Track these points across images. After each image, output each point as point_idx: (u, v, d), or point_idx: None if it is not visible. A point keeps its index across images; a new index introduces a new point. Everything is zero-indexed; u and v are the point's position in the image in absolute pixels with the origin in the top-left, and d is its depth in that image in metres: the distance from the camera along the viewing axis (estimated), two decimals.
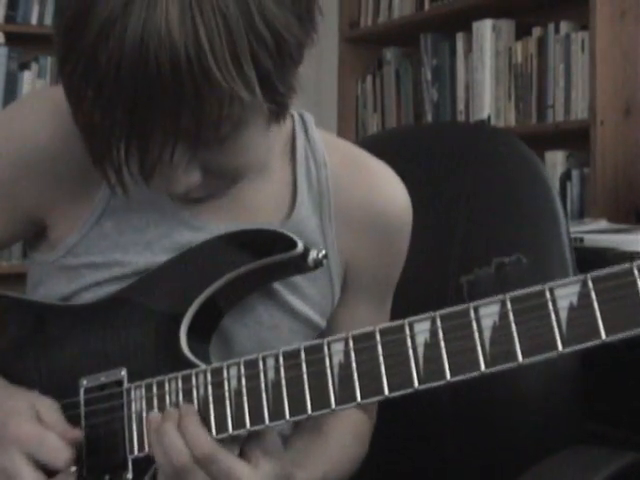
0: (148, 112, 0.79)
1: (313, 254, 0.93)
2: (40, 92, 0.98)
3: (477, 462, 1.26)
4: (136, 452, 0.91)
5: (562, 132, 2.65)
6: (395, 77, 3.28)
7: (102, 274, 0.99)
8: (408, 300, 1.13)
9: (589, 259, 1.76)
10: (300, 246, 0.93)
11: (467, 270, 1.26)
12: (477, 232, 1.29)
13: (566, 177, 2.65)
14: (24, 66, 3.17)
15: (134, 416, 0.91)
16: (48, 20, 3.19)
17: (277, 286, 1.01)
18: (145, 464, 0.90)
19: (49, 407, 0.93)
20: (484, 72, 2.85)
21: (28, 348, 0.99)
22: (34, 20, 3.17)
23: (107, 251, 0.99)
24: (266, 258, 0.94)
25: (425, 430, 1.17)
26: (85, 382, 0.95)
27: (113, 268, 0.99)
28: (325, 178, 1.04)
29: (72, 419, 0.93)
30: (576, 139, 2.55)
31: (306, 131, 1.06)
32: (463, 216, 1.30)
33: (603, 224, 2.12)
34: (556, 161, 2.67)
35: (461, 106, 2.96)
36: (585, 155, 2.54)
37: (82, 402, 0.94)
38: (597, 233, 1.88)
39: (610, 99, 2.46)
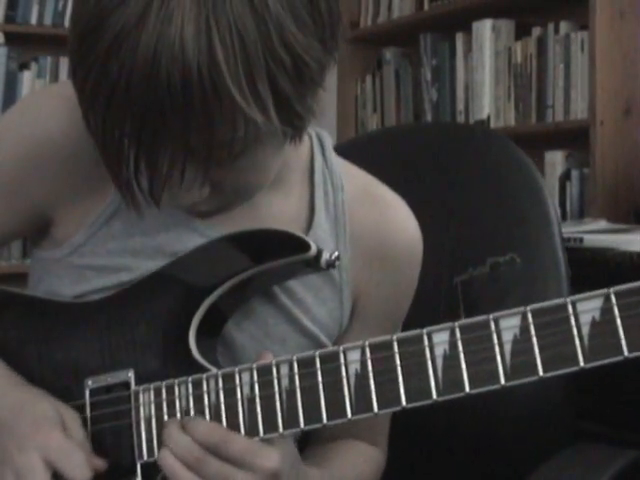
0: (157, 128, 0.77)
1: (326, 255, 0.92)
2: (52, 87, 0.97)
3: (472, 465, 1.27)
4: (145, 457, 0.89)
5: (562, 132, 2.65)
6: (395, 77, 3.28)
7: (109, 278, 0.97)
8: None
9: (589, 259, 1.76)
10: (314, 248, 0.92)
11: (461, 271, 1.26)
12: (470, 233, 1.30)
13: (566, 177, 2.65)
14: (24, 66, 3.17)
15: (143, 421, 0.90)
16: (48, 20, 3.19)
17: (287, 302, 1.00)
18: (154, 470, 0.88)
19: (74, 420, 0.91)
20: (484, 72, 2.85)
21: (31, 345, 0.97)
22: (34, 20, 3.17)
23: (114, 253, 0.98)
24: (280, 260, 0.92)
25: (419, 435, 1.17)
26: (90, 383, 0.93)
27: (120, 272, 0.97)
28: (341, 202, 1.03)
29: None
30: (576, 139, 2.55)
31: (324, 152, 1.05)
32: (456, 217, 1.30)
33: (603, 224, 2.12)
34: (556, 161, 2.67)
35: (461, 106, 2.96)
36: (585, 155, 2.54)
37: (88, 404, 0.92)
38: (597, 233, 1.88)
39: (610, 99, 2.46)
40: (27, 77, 3.17)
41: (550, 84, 2.66)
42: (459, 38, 2.96)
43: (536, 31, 2.72)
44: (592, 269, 1.70)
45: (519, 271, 1.24)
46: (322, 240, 1.01)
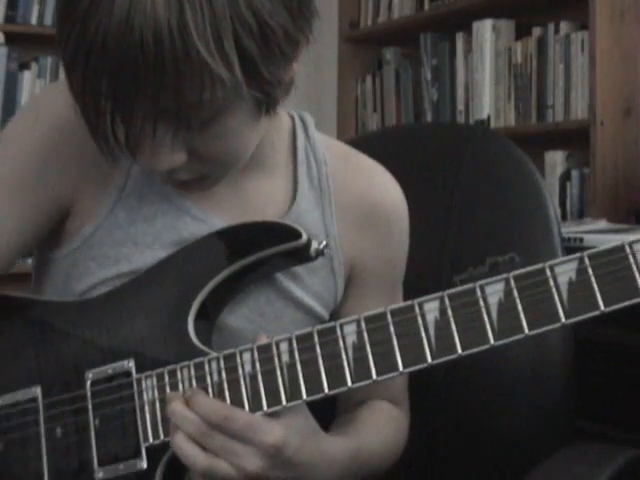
0: (131, 85, 0.82)
1: (315, 244, 0.98)
2: (58, 82, 1.00)
3: (470, 465, 1.27)
4: (151, 440, 0.91)
5: (562, 132, 2.65)
6: (395, 77, 3.28)
7: (109, 270, 1.00)
8: (403, 299, 1.14)
9: None
10: (304, 236, 0.97)
11: (460, 270, 1.28)
12: (470, 233, 1.31)
13: (566, 177, 2.65)
14: (24, 66, 3.17)
15: (146, 405, 0.92)
16: (48, 20, 3.19)
17: (279, 276, 1.03)
18: (159, 452, 0.91)
19: None
20: (484, 72, 2.85)
21: (28, 345, 0.99)
22: (34, 20, 3.17)
23: (118, 243, 1.00)
24: (272, 247, 0.97)
25: (418, 434, 1.18)
26: (91, 375, 0.95)
27: (120, 263, 1.00)
28: (325, 175, 1.08)
29: (79, 412, 0.94)
30: (576, 139, 2.55)
31: (306, 131, 1.09)
32: (456, 217, 1.32)
33: (603, 224, 2.12)
34: (556, 161, 2.67)
35: (461, 106, 2.96)
36: (585, 155, 2.54)
37: (89, 394, 0.94)
38: (597, 233, 1.88)
39: (610, 99, 2.46)
40: (27, 77, 3.17)
41: (550, 84, 2.66)
42: (459, 38, 2.96)
43: (536, 31, 2.72)
44: None
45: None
46: (306, 214, 1.05)
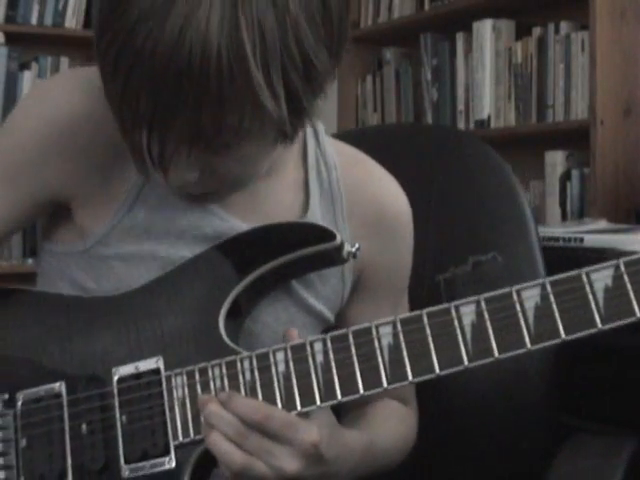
0: (172, 103, 0.81)
1: (347, 247, 0.98)
2: (71, 71, 1.00)
3: (458, 465, 1.29)
4: (180, 438, 0.91)
5: (562, 132, 2.66)
6: (395, 77, 3.28)
7: (136, 266, 0.99)
8: None
9: (589, 259, 1.76)
10: (339, 237, 0.97)
11: (442, 269, 1.30)
12: (452, 233, 1.34)
13: (566, 177, 2.65)
14: (24, 66, 3.17)
15: (176, 402, 0.91)
16: (48, 20, 3.19)
17: (294, 284, 1.03)
18: (186, 450, 0.91)
19: None
20: (484, 72, 2.85)
21: (52, 340, 0.98)
22: (34, 20, 3.17)
23: (139, 241, 1.00)
24: (307, 248, 0.97)
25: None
26: (118, 371, 0.94)
27: (146, 260, 0.99)
28: (336, 180, 1.08)
29: (106, 409, 0.93)
30: (576, 139, 2.55)
31: (316, 136, 1.09)
32: (437, 217, 1.34)
33: (603, 224, 2.12)
34: (556, 161, 2.67)
35: (461, 106, 2.96)
36: (585, 155, 2.54)
37: (115, 392, 0.93)
38: (597, 233, 1.88)
39: (610, 99, 2.47)
40: (27, 77, 3.17)
41: (550, 84, 2.66)
42: (459, 38, 2.96)
43: (536, 31, 2.72)
44: None
45: (501, 269, 1.28)
46: (318, 222, 1.04)
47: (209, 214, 1.01)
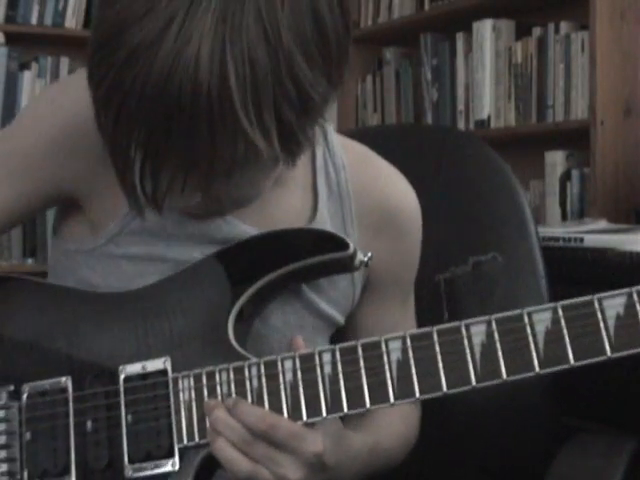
0: (163, 140, 0.80)
1: (360, 256, 0.98)
2: (76, 76, 1.00)
3: (458, 467, 1.30)
4: (185, 441, 0.91)
5: (562, 132, 2.66)
6: (395, 77, 3.28)
7: (145, 267, 1.00)
8: None
9: (589, 259, 1.76)
10: (352, 247, 0.97)
11: (442, 269, 1.31)
12: (452, 234, 1.34)
13: (566, 177, 2.65)
14: (24, 66, 3.17)
15: (182, 405, 0.91)
16: (48, 20, 3.19)
17: (305, 289, 1.03)
18: (192, 454, 0.91)
19: None
20: (484, 72, 2.85)
21: (60, 333, 0.98)
22: (34, 20, 3.17)
23: (149, 243, 1.00)
24: (319, 255, 0.97)
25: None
26: (125, 370, 0.94)
27: (155, 262, 1.00)
28: (345, 181, 1.07)
29: (111, 407, 0.93)
30: (576, 139, 2.55)
31: (325, 136, 1.08)
32: (437, 218, 1.33)
33: (603, 224, 2.12)
34: (556, 161, 2.67)
35: (461, 106, 2.96)
36: (585, 155, 2.54)
37: (122, 390, 0.93)
38: (597, 233, 1.87)
39: (610, 99, 2.46)
40: (27, 77, 3.17)
41: (550, 84, 2.66)
42: (459, 38, 2.96)
43: (536, 31, 2.72)
44: (592, 269, 1.70)
45: (500, 269, 1.29)
46: (327, 223, 1.04)
47: (218, 219, 1.00)
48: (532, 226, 1.30)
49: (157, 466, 0.91)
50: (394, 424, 1.09)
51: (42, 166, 1.00)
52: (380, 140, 1.40)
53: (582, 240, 1.79)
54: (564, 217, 2.63)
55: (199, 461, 0.91)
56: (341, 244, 0.97)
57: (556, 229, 1.90)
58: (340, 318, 1.08)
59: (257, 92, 0.79)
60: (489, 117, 2.85)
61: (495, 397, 1.25)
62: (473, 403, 1.27)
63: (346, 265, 0.98)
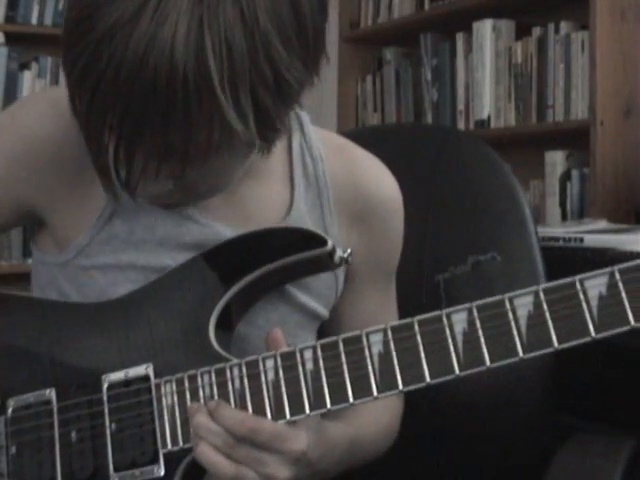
0: (138, 121, 0.80)
1: (339, 252, 0.97)
2: (41, 92, 1.00)
3: (456, 467, 1.29)
4: (169, 446, 0.90)
5: (562, 132, 2.65)
6: (395, 77, 3.28)
7: (116, 276, 0.99)
8: None
9: (589, 259, 1.76)
10: (330, 243, 0.96)
11: (441, 269, 1.30)
12: (451, 233, 1.34)
13: (566, 177, 2.65)
14: (24, 66, 3.17)
15: (165, 410, 0.91)
16: (48, 20, 3.19)
17: (285, 285, 1.03)
18: (175, 458, 0.90)
19: None
20: (484, 72, 2.85)
21: (43, 346, 0.98)
22: (34, 20, 3.17)
23: (118, 250, 0.99)
24: (298, 254, 0.96)
25: (403, 439, 1.19)
26: (108, 379, 0.94)
27: (126, 271, 0.99)
28: (322, 172, 1.07)
29: (95, 416, 0.93)
30: (576, 139, 2.55)
31: (302, 128, 1.08)
32: (436, 218, 1.34)
33: (603, 224, 2.12)
34: (556, 161, 2.67)
35: (461, 106, 2.96)
36: (585, 155, 2.54)
37: (105, 399, 0.93)
38: (597, 233, 1.87)
39: (610, 99, 2.46)
40: (27, 77, 3.17)
41: (550, 84, 2.66)
42: (459, 38, 2.96)
43: (536, 31, 2.72)
44: (592, 269, 1.70)
45: (500, 269, 1.29)
46: (304, 216, 1.04)
47: (188, 221, 1.00)
48: (531, 226, 1.30)
49: (142, 473, 0.90)
50: (377, 413, 1.08)
51: (5, 183, 1.00)
52: (380, 140, 1.40)
53: (582, 240, 1.79)
54: (564, 217, 2.63)
55: (184, 465, 0.90)
56: (319, 241, 0.96)
57: (556, 229, 1.90)
58: (323, 311, 1.07)
59: (234, 74, 0.78)
60: (489, 117, 2.85)
61: (493, 397, 1.26)
62: (472, 403, 1.27)
63: (326, 262, 0.97)
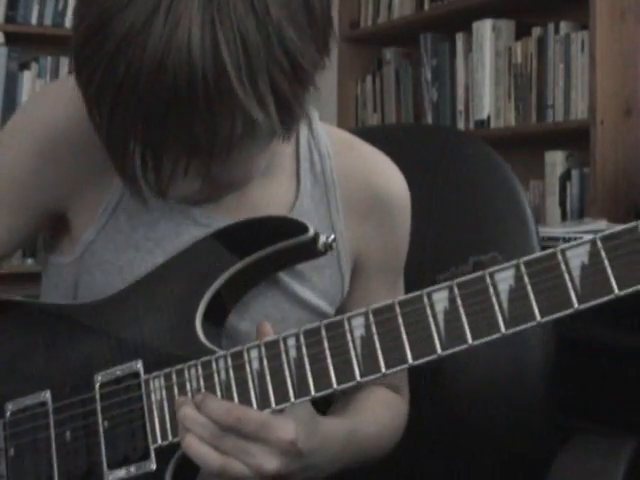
0: (162, 126, 0.80)
1: (323, 238, 0.96)
2: (54, 84, 0.99)
3: (457, 466, 1.29)
4: (159, 441, 0.91)
5: (562, 132, 2.66)
6: (395, 77, 3.28)
7: (113, 277, 0.99)
8: None
9: None
10: (311, 230, 0.95)
11: (442, 269, 1.30)
12: (451, 233, 1.34)
13: (566, 177, 2.65)
14: (24, 66, 3.17)
15: (155, 405, 0.91)
16: (48, 20, 3.19)
17: (284, 277, 1.02)
18: (168, 453, 0.91)
19: None
20: (484, 72, 2.85)
21: (37, 349, 0.99)
22: (34, 20, 3.17)
23: (120, 249, 1.00)
24: (279, 243, 0.96)
25: (404, 439, 1.19)
26: (100, 377, 0.94)
27: (123, 270, 0.99)
28: (330, 169, 1.07)
29: (88, 414, 0.94)
30: (576, 139, 2.55)
31: (310, 125, 1.08)
32: (437, 218, 1.34)
33: (603, 224, 2.12)
34: (556, 161, 2.67)
35: (461, 106, 2.96)
36: (585, 155, 2.54)
37: (98, 397, 0.94)
38: (597, 233, 1.88)
39: (610, 99, 2.46)
40: (27, 77, 3.17)
41: (550, 84, 2.66)
42: (459, 38, 2.96)
43: (536, 31, 2.72)
44: None
45: None
46: (309, 212, 1.04)
47: (188, 221, 1.01)
48: (532, 226, 1.30)
49: (135, 469, 0.91)
50: (376, 411, 1.08)
51: (31, 181, 1.00)
52: (380, 140, 1.40)
53: None
54: (564, 217, 2.63)
55: (175, 460, 0.91)
56: (301, 228, 0.96)
57: (556, 229, 1.91)
58: (328, 309, 1.07)
59: (251, 66, 0.79)
60: (489, 117, 2.85)
61: (495, 398, 1.26)
62: (473, 403, 1.27)
63: (310, 249, 0.97)
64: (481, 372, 1.24)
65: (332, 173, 1.07)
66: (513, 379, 1.25)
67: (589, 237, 0.81)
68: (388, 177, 1.10)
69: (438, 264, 1.31)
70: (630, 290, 0.79)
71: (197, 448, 0.87)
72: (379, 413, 1.09)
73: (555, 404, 1.27)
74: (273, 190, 1.04)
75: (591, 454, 1.13)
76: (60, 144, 0.98)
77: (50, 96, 1.01)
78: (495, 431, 1.27)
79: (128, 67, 0.78)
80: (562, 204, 2.64)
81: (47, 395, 0.96)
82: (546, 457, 1.17)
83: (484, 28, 2.84)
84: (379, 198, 1.08)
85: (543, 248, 1.30)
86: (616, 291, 0.79)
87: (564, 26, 2.64)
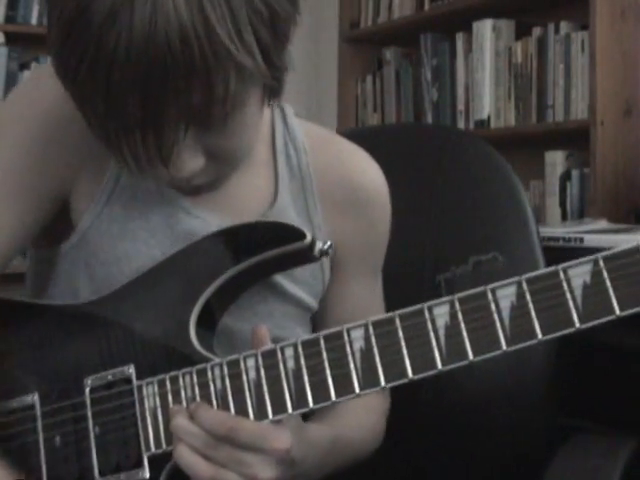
0: (161, 92, 0.81)
1: (319, 245, 0.96)
2: (43, 67, 0.98)
3: (457, 468, 1.29)
4: (153, 449, 0.89)
5: (562, 132, 2.65)
6: (395, 77, 3.28)
7: (110, 269, 0.99)
8: (386, 299, 1.16)
9: None
10: (309, 237, 0.95)
11: (443, 269, 1.30)
12: (452, 234, 1.34)
13: (566, 177, 2.65)
14: (24, 66, 3.17)
15: (148, 413, 0.90)
16: None
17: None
18: (161, 461, 0.89)
19: None
20: (484, 72, 2.85)
21: (24, 350, 0.97)
22: (34, 20, 3.17)
23: (116, 238, 0.99)
24: (276, 248, 0.95)
25: (405, 438, 1.19)
26: (90, 381, 0.93)
27: (120, 262, 0.99)
28: (306, 164, 1.08)
29: (79, 419, 0.92)
30: (576, 139, 2.55)
31: (285, 120, 1.09)
32: (437, 218, 1.34)
33: (603, 224, 2.12)
34: (556, 161, 2.67)
35: (461, 106, 2.96)
36: (585, 155, 2.54)
37: (88, 402, 0.92)
38: (597, 233, 1.88)
39: (610, 99, 2.46)
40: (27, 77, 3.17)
41: (550, 84, 2.66)
42: (459, 38, 2.96)
43: (536, 31, 2.73)
44: None
45: (501, 269, 1.28)
46: (289, 207, 1.05)
47: (180, 211, 1.00)
48: (533, 226, 1.30)
49: (127, 477, 0.90)
50: (358, 416, 1.07)
51: (36, 168, 0.99)
52: (380, 140, 1.40)
53: (582, 240, 1.79)
54: (564, 217, 2.63)
55: (169, 469, 0.89)
56: (298, 235, 0.96)
57: (556, 229, 1.90)
58: (312, 302, 1.07)
59: (234, 17, 0.81)
60: (489, 117, 2.85)
61: (494, 398, 1.26)
62: (472, 403, 1.27)
63: (306, 255, 0.97)
64: (482, 371, 1.24)
65: (308, 167, 1.07)
66: (514, 378, 1.25)
67: (591, 257, 0.81)
68: (363, 171, 1.10)
69: (438, 264, 1.31)
70: (632, 311, 0.79)
71: (188, 458, 0.85)
72: (361, 417, 1.08)
73: (556, 403, 1.27)
74: (251, 184, 1.05)
75: (590, 453, 1.13)
76: (61, 125, 0.97)
77: (44, 82, 0.99)
78: (496, 430, 1.27)
79: (118, 38, 0.78)
80: (562, 204, 2.64)
81: (35, 398, 0.94)
82: (546, 456, 1.17)
83: (484, 28, 2.84)
84: (354, 192, 1.08)
85: (543, 248, 1.31)
86: (617, 312, 0.79)
87: (564, 26, 2.64)
